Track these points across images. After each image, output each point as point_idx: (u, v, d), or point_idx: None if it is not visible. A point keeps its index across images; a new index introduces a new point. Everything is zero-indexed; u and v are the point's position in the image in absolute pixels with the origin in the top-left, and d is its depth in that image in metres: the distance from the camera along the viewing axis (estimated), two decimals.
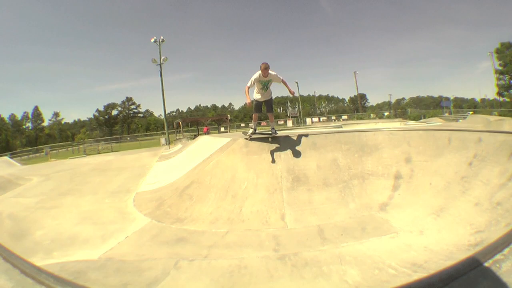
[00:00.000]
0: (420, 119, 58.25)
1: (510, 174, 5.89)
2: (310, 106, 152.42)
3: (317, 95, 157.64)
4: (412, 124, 33.19)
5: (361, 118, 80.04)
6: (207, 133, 50.40)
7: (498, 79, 74.43)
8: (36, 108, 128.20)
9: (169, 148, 35.51)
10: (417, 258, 4.84)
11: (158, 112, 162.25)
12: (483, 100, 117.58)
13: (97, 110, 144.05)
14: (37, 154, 68.64)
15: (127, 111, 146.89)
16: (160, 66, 47.49)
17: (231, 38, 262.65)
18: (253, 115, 12.02)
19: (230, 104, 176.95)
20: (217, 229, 7.43)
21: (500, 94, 75.56)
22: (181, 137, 48.62)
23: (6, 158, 46.68)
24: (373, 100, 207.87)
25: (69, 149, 72.46)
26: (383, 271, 4.61)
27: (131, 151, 38.26)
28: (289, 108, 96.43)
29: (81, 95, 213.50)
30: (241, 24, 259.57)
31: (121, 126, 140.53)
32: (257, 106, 11.59)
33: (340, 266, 4.96)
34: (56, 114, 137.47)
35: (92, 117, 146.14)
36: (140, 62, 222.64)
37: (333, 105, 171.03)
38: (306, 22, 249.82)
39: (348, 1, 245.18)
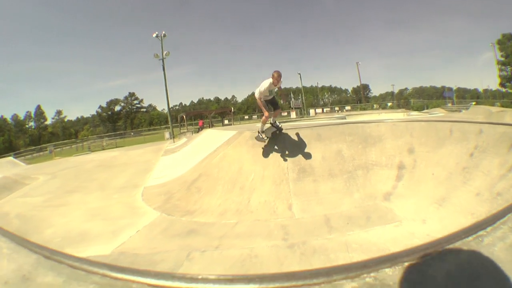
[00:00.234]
0: (423, 109, 58.09)
1: (510, 165, 6.00)
2: (313, 97, 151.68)
3: (319, 86, 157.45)
4: (415, 114, 33.29)
5: (364, 109, 79.84)
6: (202, 127, 50.11)
7: (500, 70, 74.11)
8: (38, 107, 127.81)
9: (174, 142, 35.43)
10: None
11: (161, 106, 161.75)
12: (485, 90, 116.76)
13: (100, 107, 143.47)
14: (41, 153, 68.36)
15: (130, 107, 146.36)
16: (163, 61, 47.57)
17: (232, 30, 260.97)
18: (264, 117, 10.49)
19: (233, 96, 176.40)
20: (226, 220, 7.62)
21: (502, 85, 75.28)
22: (185, 130, 48.75)
23: (10, 158, 46.89)
24: (376, 90, 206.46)
25: (72, 146, 72.17)
26: None
27: (135, 146, 38.25)
28: (292, 99, 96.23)
29: (83, 92, 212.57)
30: (242, 16, 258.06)
31: (124, 122, 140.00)
32: (270, 102, 10.96)
33: (347, 254, 5.15)
34: (58, 112, 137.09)
35: (95, 113, 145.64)
36: (142, 57, 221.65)
37: (336, 96, 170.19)
38: (307, 13, 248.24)
39: None
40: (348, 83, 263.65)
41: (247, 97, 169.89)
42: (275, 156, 9.82)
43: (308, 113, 77.49)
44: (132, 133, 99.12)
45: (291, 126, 10.73)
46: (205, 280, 1.50)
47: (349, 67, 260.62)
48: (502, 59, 72.97)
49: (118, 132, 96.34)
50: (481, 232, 1.54)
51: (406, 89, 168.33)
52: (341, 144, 9.73)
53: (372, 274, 1.19)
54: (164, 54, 47.33)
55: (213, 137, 17.15)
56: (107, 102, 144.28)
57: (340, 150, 9.54)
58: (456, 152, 7.69)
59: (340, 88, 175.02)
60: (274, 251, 5.58)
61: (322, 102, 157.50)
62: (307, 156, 9.57)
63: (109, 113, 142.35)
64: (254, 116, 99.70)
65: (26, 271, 1.74)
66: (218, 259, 5.55)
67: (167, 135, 51.49)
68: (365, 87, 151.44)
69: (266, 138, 10.48)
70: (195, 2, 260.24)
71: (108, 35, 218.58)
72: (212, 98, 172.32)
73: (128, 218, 8.61)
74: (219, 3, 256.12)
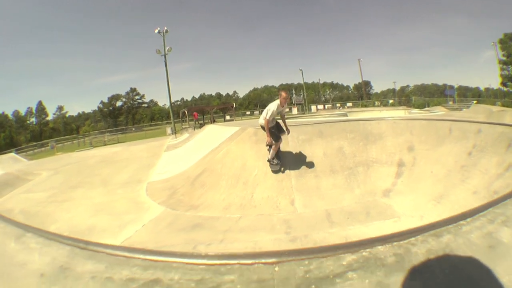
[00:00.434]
0: (424, 107, 58.14)
1: (508, 165, 6.16)
2: (314, 93, 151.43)
3: (321, 82, 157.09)
4: (416, 112, 33.43)
5: (365, 106, 79.89)
6: (198, 120, 49.83)
7: (502, 69, 74.06)
8: (40, 103, 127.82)
9: (176, 138, 35.44)
10: None
11: (163, 102, 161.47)
12: (487, 89, 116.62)
13: (101, 102, 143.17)
14: (43, 149, 67.62)
15: (131, 102, 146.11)
16: (165, 57, 47.57)
17: (234, 26, 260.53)
18: (273, 146, 9.50)
19: (235, 92, 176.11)
20: (230, 214, 7.78)
21: (503, 84, 75.26)
22: (187, 126, 48.73)
23: (12, 154, 46.53)
24: (377, 87, 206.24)
25: (74, 142, 71.55)
26: None
27: (137, 142, 38.15)
28: (294, 95, 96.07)
29: (84, 87, 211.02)
30: (244, 11, 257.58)
31: (125, 117, 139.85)
32: (276, 133, 9.71)
33: None
34: (60, 108, 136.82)
35: (97, 109, 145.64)
36: (143, 52, 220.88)
37: (337, 92, 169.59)
38: (309, 9, 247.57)
39: None
40: (349, 80, 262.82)
41: (249, 92, 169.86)
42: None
43: (310, 109, 77.35)
44: (133, 129, 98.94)
45: (293, 123, 10.87)
46: (234, 257, 1.70)
47: (351, 63, 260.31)
48: (504, 58, 72.90)
49: (119, 128, 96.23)
50: (461, 222, 1.76)
51: (407, 86, 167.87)
52: (343, 141, 9.89)
53: (367, 250, 1.44)
54: (166, 50, 47.35)
55: (215, 133, 17.27)
56: (108, 98, 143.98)
57: (341, 147, 9.70)
58: (455, 151, 7.88)
59: (342, 85, 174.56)
60: (277, 244, 5.75)
61: (323, 98, 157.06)
62: (309, 152, 9.71)
63: (111, 108, 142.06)
64: (256, 112, 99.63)
65: (63, 262, 1.85)
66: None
67: (169, 130, 51.26)
68: (367, 84, 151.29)
69: (279, 162, 9.62)
70: None
71: (109, 30, 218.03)
72: (213, 94, 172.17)
73: (133, 213, 8.74)
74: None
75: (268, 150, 9.78)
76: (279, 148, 9.73)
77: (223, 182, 9.42)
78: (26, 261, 1.98)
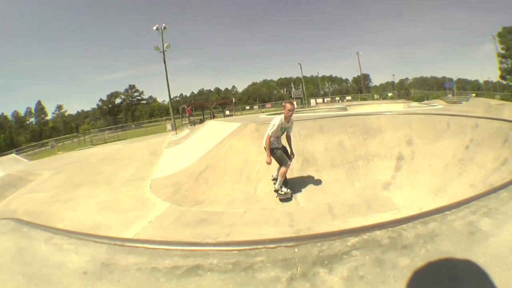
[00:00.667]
0: (423, 100, 58.24)
1: (503, 159, 6.36)
2: (313, 87, 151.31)
3: (320, 75, 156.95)
4: (415, 105, 33.54)
5: (364, 99, 79.87)
6: (191, 115, 49.76)
7: (501, 62, 74.15)
8: (39, 103, 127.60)
9: (176, 134, 35.54)
10: None
11: (161, 98, 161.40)
12: (486, 82, 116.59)
13: (100, 100, 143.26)
14: (43, 148, 67.22)
15: (130, 99, 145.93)
16: (163, 54, 47.62)
17: (232, 20, 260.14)
18: (283, 170, 8.23)
19: (234, 87, 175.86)
20: (235, 209, 7.96)
21: (502, 77, 75.35)
22: (187, 122, 48.78)
23: (13, 155, 46.44)
24: (376, 80, 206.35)
25: (74, 140, 71.31)
26: None
27: (138, 139, 38.02)
28: (293, 89, 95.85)
29: (83, 86, 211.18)
30: (242, 6, 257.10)
31: (125, 114, 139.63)
32: (283, 153, 8.47)
33: None
34: (59, 107, 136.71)
35: (96, 107, 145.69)
36: (141, 49, 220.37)
37: (336, 85, 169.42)
38: (308, 3, 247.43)
39: None
40: (348, 73, 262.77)
41: (248, 87, 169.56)
42: None
43: (309, 103, 77.37)
44: (133, 126, 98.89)
45: (294, 117, 11.00)
46: (261, 242, 1.93)
47: (350, 57, 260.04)
48: (503, 52, 72.94)
49: (119, 125, 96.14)
50: (447, 212, 2.01)
51: (406, 79, 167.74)
52: (343, 136, 10.03)
53: (367, 234, 1.72)
54: (164, 47, 47.41)
55: (216, 128, 17.43)
56: (107, 95, 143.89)
57: (341, 142, 9.85)
58: (452, 145, 8.07)
59: (341, 78, 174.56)
60: (281, 237, 5.92)
61: (322, 91, 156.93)
62: (310, 147, 9.85)
63: (110, 106, 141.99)
64: (255, 107, 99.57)
65: (104, 259, 2.01)
66: None
67: (169, 126, 51.13)
68: (366, 77, 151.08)
69: (290, 191, 8.20)
70: None
71: (106, 27, 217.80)
72: (212, 89, 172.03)
73: (138, 210, 8.88)
74: None
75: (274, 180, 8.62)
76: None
77: (227, 178, 9.57)
78: (64, 262, 2.11)
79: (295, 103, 7.89)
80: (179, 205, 8.75)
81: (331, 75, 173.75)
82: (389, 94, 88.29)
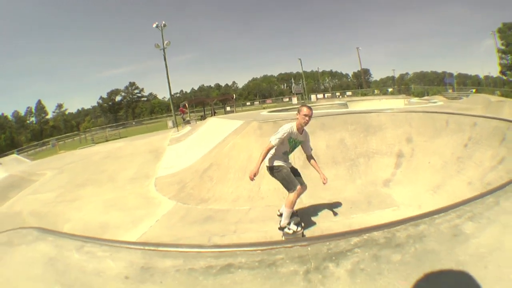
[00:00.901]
0: (424, 95, 58.27)
1: (501, 158, 6.52)
2: (313, 82, 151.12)
3: (320, 70, 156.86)
4: (415, 101, 33.66)
5: (365, 94, 79.85)
6: (184, 113, 49.56)
7: (501, 58, 74.26)
8: (39, 102, 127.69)
9: (178, 131, 35.57)
10: None
11: (162, 95, 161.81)
12: (486, 77, 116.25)
13: (101, 97, 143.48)
14: (44, 148, 66.99)
15: (131, 96, 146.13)
16: (164, 51, 47.75)
17: (232, 15, 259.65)
18: (291, 197, 6.24)
19: (234, 82, 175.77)
20: (240, 206, 8.14)
21: (502, 73, 75.42)
22: (188, 118, 48.83)
23: (14, 155, 46.82)
24: (376, 75, 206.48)
25: (75, 139, 71.00)
26: None
27: (140, 136, 38.06)
28: (293, 84, 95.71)
29: (82, 83, 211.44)
30: (241, 1, 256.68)
31: (125, 111, 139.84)
32: (291, 173, 6.59)
33: None
34: (59, 106, 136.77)
35: (96, 104, 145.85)
36: (141, 46, 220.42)
37: (336, 80, 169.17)
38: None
39: None
40: (348, 68, 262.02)
41: (248, 82, 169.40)
42: None
43: (309, 98, 77.38)
44: (133, 123, 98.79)
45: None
46: (279, 243, 2.18)
47: (350, 52, 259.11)
48: (503, 47, 73.04)
49: (120, 123, 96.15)
50: (435, 216, 2.28)
51: (407, 74, 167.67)
52: (344, 133, 10.16)
53: (367, 234, 2.01)
54: (164, 44, 47.53)
55: (218, 126, 17.58)
56: (107, 93, 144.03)
57: (343, 139, 9.98)
58: (451, 143, 8.22)
59: (341, 73, 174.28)
60: (296, 238, 6.05)
61: (322, 86, 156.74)
62: (312, 144, 9.97)
63: (110, 103, 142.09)
64: (256, 103, 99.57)
65: (142, 263, 2.17)
66: (237, 242, 6.04)
67: (170, 123, 50.94)
68: (366, 72, 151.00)
69: (300, 229, 6.17)
70: None
71: (105, 24, 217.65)
72: (212, 85, 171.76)
73: (144, 208, 9.03)
74: None
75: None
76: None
77: (231, 175, 9.70)
78: (102, 269, 2.25)
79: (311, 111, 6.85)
80: (184, 203, 8.92)
81: (331, 70, 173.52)
82: (390, 90, 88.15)
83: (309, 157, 7.02)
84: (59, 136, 79.25)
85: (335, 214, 6.98)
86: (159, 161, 16.22)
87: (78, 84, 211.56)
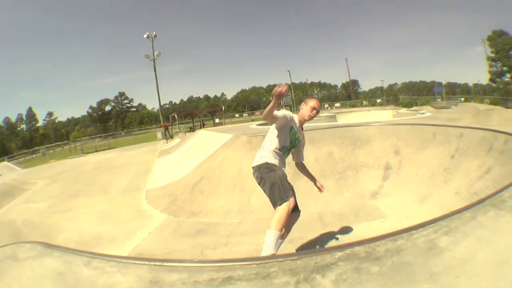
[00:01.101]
0: (412, 106, 58.65)
1: (487, 168, 6.61)
2: (302, 93, 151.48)
3: (309, 82, 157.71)
4: (403, 111, 33.94)
5: (353, 106, 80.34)
6: (166, 128, 49.64)
7: (490, 66, 75.19)
8: (30, 109, 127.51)
9: (167, 143, 35.81)
10: None
11: (151, 105, 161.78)
12: (476, 85, 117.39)
13: (91, 107, 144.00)
14: (34, 156, 68.01)
15: (120, 106, 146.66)
16: (154, 62, 47.95)
17: (221, 27, 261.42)
18: (281, 212, 4.44)
19: (223, 94, 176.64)
20: (230, 220, 8.22)
21: (492, 80, 76.40)
22: (178, 130, 48.91)
23: (5, 163, 46.75)
24: (365, 85, 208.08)
25: (65, 148, 71.49)
26: None
27: (129, 147, 38.30)
28: None
29: (73, 92, 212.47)
30: (230, 12, 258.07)
31: (115, 122, 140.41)
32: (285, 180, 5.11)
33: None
34: (50, 114, 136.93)
35: (86, 114, 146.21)
36: (131, 56, 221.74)
37: (325, 91, 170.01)
38: (296, 8, 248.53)
39: None
40: (337, 79, 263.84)
41: (237, 94, 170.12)
42: None
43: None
44: (123, 133, 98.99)
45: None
46: (272, 257, 2.33)
47: (338, 62, 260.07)
48: (492, 55, 73.97)
49: (109, 133, 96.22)
50: (413, 231, 2.43)
51: (395, 84, 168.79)
52: (332, 147, 10.24)
53: (349, 249, 2.18)
54: (155, 55, 47.72)
55: (208, 139, 17.77)
56: (97, 102, 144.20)
57: (331, 152, 10.06)
58: (438, 154, 8.34)
59: (330, 84, 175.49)
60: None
61: None
62: None
63: (100, 113, 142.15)
64: (245, 114, 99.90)
65: (150, 277, 2.22)
66: (228, 255, 6.16)
67: (159, 135, 51.12)
68: (355, 83, 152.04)
69: None
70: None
71: (96, 33, 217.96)
72: (201, 96, 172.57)
73: (137, 221, 9.08)
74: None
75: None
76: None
77: (221, 189, 9.75)
78: (112, 283, 2.28)
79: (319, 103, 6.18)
80: (176, 216, 8.99)
81: (320, 82, 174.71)
82: (378, 100, 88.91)
83: (300, 165, 6.19)
84: (49, 145, 79.25)
85: (323, 227, 7.05)
86: (150, 173, 16.24)
87: (68, 92, 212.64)
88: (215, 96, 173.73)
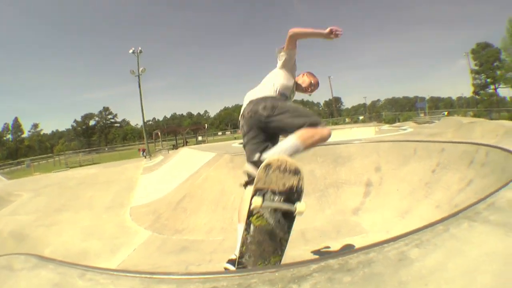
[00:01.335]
0: (395, 122, 59.22)
1: (469, 180, 6.67)
2: None
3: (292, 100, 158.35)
4: (386, 127, 34.23)
5: (336, 123, 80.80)
6: (144, 150, 49.43)
7: (474, 78, 76.49)
8: (16, 120, 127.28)
9: (150, 160, 35.90)
10: None
11: (135, 121, 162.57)
12: (459, 98, 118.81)
13: (75, 121, 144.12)
14: (19, 167, 68.12)
15: (104, 121, 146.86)
16: (139, 78, 47.93)
17: (203, 44, 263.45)
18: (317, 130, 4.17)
19: (206, 111, 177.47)
20: (213, 237, 8.24)
21: (476, 93, 77.65)
22: (160, 148, 48.87)
23: None
24: (348, 102, 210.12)
25: (49, 161, 71.63)
26: None
27: (113, 163, 38.36)
28: None
29: (58, 104, 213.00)
30: (213, 30, 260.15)
31: (98, 137, 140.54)
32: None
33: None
34: (35, 125, 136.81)
35: (70, 127, 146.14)
36: (116, 70, 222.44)
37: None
38: (277, 26, 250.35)
39: (320, 4, 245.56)
40: (320, 97, 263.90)
41: (220, 111, 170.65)
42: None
43: None
44: (106, 149, 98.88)
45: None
46: (258, 269, 2.43)
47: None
48: (476, 68, 75.30)
49: (93, 148, 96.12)
50: (385, 245, 2.52)
51: (378, 100, 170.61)
52: (314, 165, 10.28)
53: (324, 262, 2.30)
54: (140, 71, 47.74)
55: (190, 157, 17.79)
56: (82, 116, 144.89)
57: (312, 170, 10.05)
58: (419, 169, 8.45)
59: (312, 102, 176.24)
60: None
61: None
62: None
63: (84, 127, 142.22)
64: (227, 132, 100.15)
65: None
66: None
67: (141, 153, 51.22)
68: (337, 100, 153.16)
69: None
70: (166, 15, 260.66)
71: (82, 48, 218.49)
72: (184, 113, 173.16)
73: (122, 237, 9.08)
74: (189, 16, 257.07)
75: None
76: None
77: (204, 207, 9.79)
78: None
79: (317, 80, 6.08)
80: (160, 233, 8.99)
81: (302, 99, 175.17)
82: (361, 117, 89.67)
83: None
84: (34, 158, 79.29)
85: (305, 243, 7.09)
86: (133, 190, 16.26)
87: (53, 104, 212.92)
88: (198, 113, 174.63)
